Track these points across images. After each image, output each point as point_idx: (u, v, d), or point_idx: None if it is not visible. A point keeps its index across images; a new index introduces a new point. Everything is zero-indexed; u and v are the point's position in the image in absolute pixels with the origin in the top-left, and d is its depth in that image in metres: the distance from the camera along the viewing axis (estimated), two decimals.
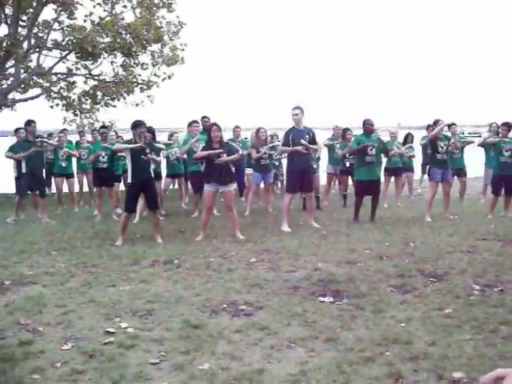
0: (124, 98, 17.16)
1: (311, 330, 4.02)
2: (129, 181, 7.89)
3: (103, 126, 12.29)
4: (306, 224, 8.96)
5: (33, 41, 15.56)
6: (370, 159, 9.26)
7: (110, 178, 10.62)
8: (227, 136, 9.88)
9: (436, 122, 9.73)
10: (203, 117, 10.89)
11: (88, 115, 17.27)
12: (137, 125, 7.83)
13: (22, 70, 15.66)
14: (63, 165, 12.30)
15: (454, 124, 10.70)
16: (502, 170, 9.58)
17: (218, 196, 8.69)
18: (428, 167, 10.97)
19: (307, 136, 8.79)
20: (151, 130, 10.15)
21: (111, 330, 4.08)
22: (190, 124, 10.49)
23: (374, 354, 3.52)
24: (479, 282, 5.09)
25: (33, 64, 16.06)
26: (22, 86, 16.09)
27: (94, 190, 11.62)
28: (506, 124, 9.78)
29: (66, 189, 12.56)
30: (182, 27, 16.74)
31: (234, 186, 8.76)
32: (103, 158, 10.58)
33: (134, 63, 16.79)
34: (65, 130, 13.91)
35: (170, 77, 16.99)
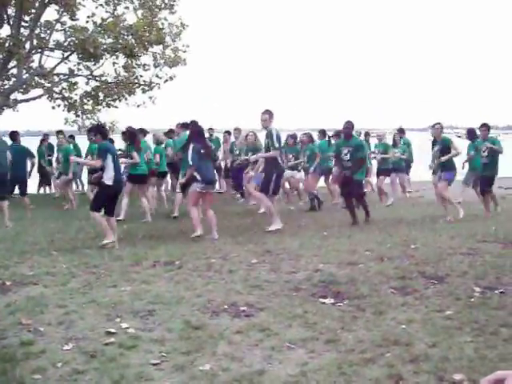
0: (125, 99, 17.17)
1: (312, 331, 4.02)
2: (108, 183, 7.71)
3: (90, 130, 12.21)
4: (307, 225, 8.96)
5: (35, 41, 15.57)
6: (345, 164, 9.19)
7: None
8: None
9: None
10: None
11: (89, 116, 17.28)
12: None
13: (24, 71, 15.67)
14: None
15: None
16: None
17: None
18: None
19: (267, 140, 8.69)
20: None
21: (112, 330, 4.08)
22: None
23: (375, 356, 3.52)
24: (480, 284, 5.09)
25: (35, 65, 16.08)
26: (24, 86, 16.11)
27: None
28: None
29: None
30: (184, 29, 16.75)
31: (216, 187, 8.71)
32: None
33: (136, 64, 16.80)
34: (61, 131, 14.07)
35: (171, 78, 17.02)
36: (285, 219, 9.32)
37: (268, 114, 8.58)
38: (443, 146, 9.36)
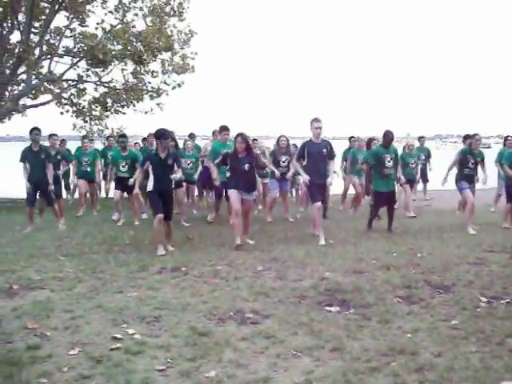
0: (134, 106, 17.30)
1: (317, 339, 4.02)
2: (148, 189, 7.75)
3: (122, 135, 12.31)
4: (313, 233, 8.95)
5: (45, 47, 15.73)
6: (388, 171, 9.27)
7: (132, 186, 10.56)
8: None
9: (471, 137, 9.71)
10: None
11: (97, 122, 17.40)
12: (162, 135, 7.71)
13: (34, 76, 15.83)
14: (87, 170, 12.65)
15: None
16: None
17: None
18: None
19: (324, 150, 8.54)
20: (173, 138, 10.28)
21: (118, 335, 4.10)
22: (220, 131, 10.26)
23: (380, 365, 3.52)
24: (486, 294, 5.08)
25: (44, 70, 16.23)
26: (33, 92, 16.25)
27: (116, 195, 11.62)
28: None
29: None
30: (192, 36, 16.87)
31: (255, 195, 8.79)
32: (123, 167, 10.68)
33: (145, 71, 16.94)
34: (86, 136, 14.58)
35: (179, 85, 17.12)
36: (290, 227, 9.33)
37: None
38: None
